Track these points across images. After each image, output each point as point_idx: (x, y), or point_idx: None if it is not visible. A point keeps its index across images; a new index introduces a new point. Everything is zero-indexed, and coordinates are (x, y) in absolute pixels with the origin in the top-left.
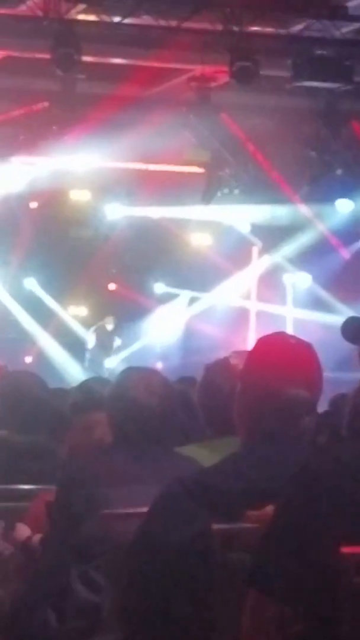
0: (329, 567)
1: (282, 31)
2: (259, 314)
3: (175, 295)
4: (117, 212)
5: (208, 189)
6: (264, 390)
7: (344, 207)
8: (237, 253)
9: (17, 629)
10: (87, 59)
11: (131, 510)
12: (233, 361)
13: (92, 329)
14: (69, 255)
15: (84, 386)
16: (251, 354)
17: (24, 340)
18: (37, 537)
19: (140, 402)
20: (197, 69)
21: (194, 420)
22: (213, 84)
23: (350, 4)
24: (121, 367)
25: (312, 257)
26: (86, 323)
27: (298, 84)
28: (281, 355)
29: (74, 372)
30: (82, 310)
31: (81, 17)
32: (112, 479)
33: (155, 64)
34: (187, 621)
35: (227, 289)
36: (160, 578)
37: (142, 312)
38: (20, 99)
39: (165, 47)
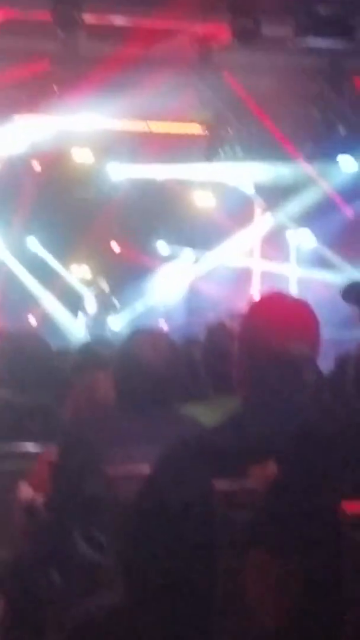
0: (330, 522)
1: None
2: (263, 275)
3: (178, 255)
4: (120, 173)
5: (211, 147)
6: (263, 347)
7: (347, 165)
8: (240, 212)
9: (21, 589)
10: (88, 18)
11: (134, 470)
12: (229, 322)
13: (92, 293)
14: (72, 215)
15: (85, 347)
16: (249, 312)
17: (28, 300)
18: (40, 497)
19: (146, 362)
20: (199, 29)
21: (197, 380)
22: (215, 44)
23: None
24: (126, 329)
25: (315, 215)
26: (89, 283)
27: (301, 42)
28: (279, 312)
29: (77, 333)
30: (85, 270)
31: None
32: (115, 439)
33: (157, 24)
34: (189, 580)
35: (230, 247)
36: (163, 537)
37: (145, 271)
38: (20, 60)
39: (166, 6)
